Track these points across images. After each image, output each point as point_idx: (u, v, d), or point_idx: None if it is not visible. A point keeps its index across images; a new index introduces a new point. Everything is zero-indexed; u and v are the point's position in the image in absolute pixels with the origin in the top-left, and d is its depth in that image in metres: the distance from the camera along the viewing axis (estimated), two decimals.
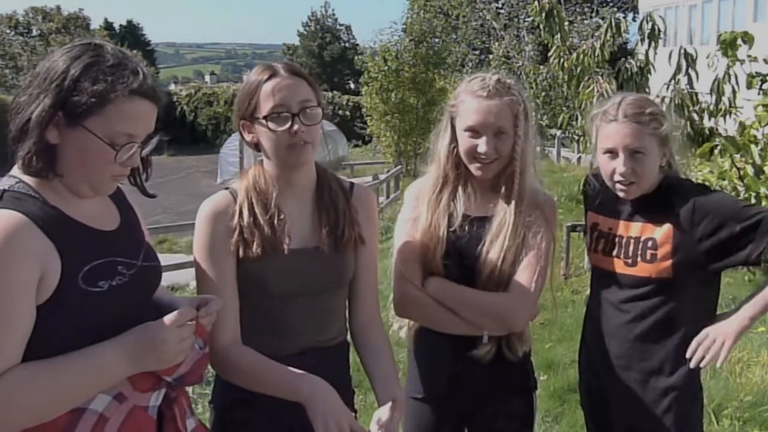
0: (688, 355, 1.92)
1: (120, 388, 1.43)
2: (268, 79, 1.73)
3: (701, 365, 1.90)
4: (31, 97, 1.38)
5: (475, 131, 1.96)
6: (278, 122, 1.72)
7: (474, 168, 2.00)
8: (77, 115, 1.36)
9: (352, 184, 1.96)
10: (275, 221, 1.76)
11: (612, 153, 1.98)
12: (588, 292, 2.23)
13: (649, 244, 1.98)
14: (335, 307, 1.88)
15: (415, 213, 2.06)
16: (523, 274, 1.95)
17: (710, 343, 1.90)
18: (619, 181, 1.98)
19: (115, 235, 1.51)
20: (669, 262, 1.95)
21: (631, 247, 2.01)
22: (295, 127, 1.72)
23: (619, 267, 2.03)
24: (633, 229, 2.02)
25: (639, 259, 1.99)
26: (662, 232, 1.97)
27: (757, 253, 1.86)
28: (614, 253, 2.04)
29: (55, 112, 1.36)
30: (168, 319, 1.43)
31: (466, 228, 2.01)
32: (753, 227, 1.86)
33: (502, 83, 1.98)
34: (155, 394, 1.50)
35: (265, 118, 1.73)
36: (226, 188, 1.83)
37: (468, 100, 1.98)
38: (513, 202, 1.98)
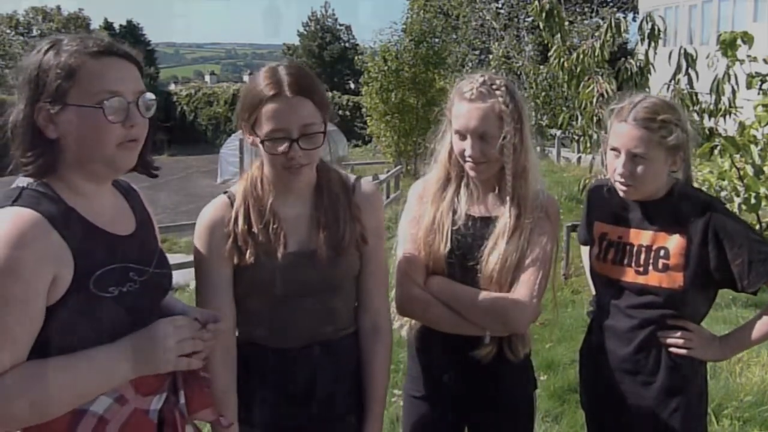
0: (669, 341, 1.99)
1: (122, 390, 1.43)
2: (272, 98, 1.68)
3: (670, 348, 2.00)
4: (16, 102, 1.41)
5: (461, 134, 1.96)
6: (276, 145, 1.70)
7: (467, 168, 2.00)
8: (57, 95, 1.38)
9: (357, 179, 1.92)
10: (270, 228, 1.76)
11: (617, 152, 1.98)
12: (587, 293, 2.22)
13: (662, 253, 1.97)
14: (338, 306, 1.86)
15: (419, 211, 2.05)
16: (527, 277, 1.94)
17: (688, 343, 1.98)
18: (618, 181, 1.99)
19: (130, 241, 1.52)
20: (681, 274, 1.95)
21: (643, 256, 2.00)
22: (292, 152, 1.70)
23: (630, 276, 2.02)
24: (644, 237, 2.02)
25: (651, 267, 1.99)
26: (675, 242, 1.97)
27: (753, 289, 1.93)
28: (625, 261, 2.03)
29: (34, 102, 1.39)
30: (170, 317, 1.48)
31: (470, 227, 2.00)
32: (761, 261, 1.90)
33: (487, 85, 1.94)
34: (156, 397, 1.49)
35: (263, 141, 1.71)
36: (225, 192, 1.83)
37: (457, 103, 1.97)
38: (516, 205, 1.97)
